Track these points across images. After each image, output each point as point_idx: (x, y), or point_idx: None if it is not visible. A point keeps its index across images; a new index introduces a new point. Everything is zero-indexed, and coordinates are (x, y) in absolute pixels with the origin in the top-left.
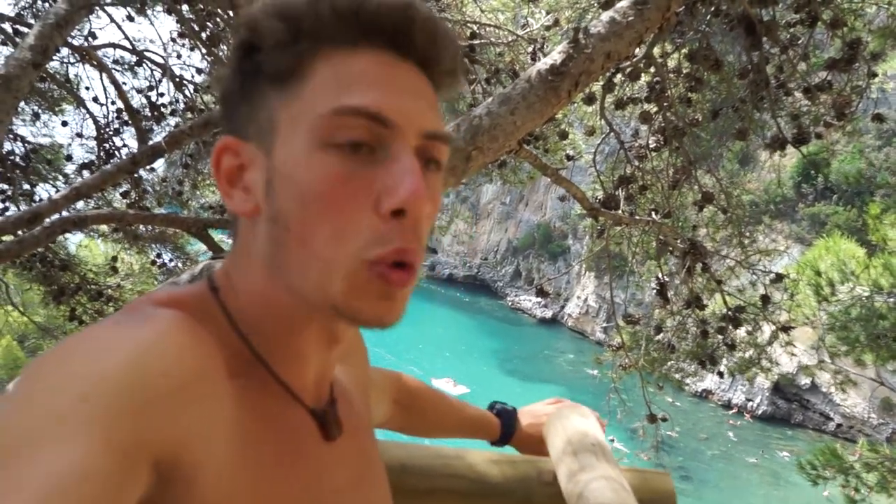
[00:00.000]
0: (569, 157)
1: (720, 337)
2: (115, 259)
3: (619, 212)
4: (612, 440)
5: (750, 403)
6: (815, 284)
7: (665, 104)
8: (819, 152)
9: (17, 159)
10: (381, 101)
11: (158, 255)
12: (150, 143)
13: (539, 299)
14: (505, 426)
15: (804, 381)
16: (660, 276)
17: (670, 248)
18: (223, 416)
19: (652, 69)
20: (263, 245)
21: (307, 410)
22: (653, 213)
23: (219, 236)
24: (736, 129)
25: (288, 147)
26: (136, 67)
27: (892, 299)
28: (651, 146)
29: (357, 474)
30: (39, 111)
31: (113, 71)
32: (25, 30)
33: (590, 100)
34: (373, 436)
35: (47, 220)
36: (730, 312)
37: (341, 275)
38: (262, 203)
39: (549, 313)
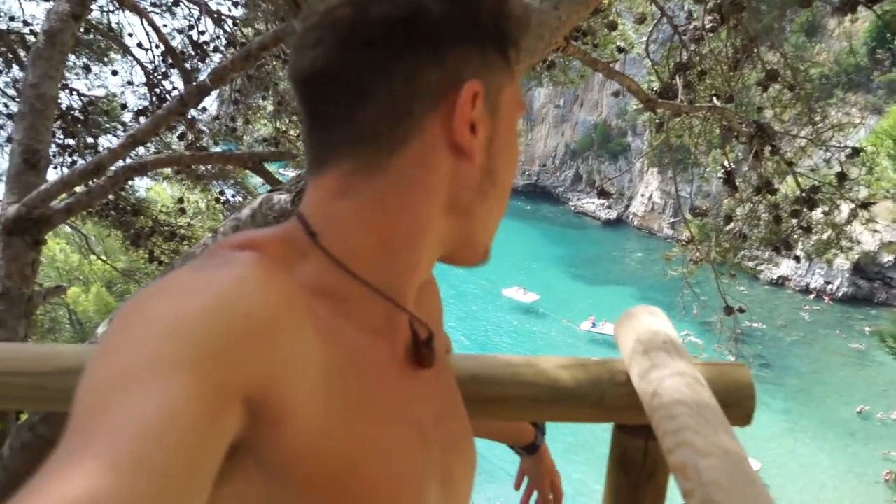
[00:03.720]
0: (620, 50)
1: (794, 221)
2: (181, 200)
3: (678, 101)
4: (687, 335)
5: (829, 286)
6: (894, 154)
7: None
8: (895, 10)
9: (77, 113)
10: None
11: (221, 193)
12: (196, 82)
13: (602, 201)
14: (539, 435)
15: (886, 258)
16: (726, 163)
17: (735, 134)
18: (308, 353)
19: None
20: (465, 190)
21: (412, 333)
22: (714, 98)
23: (273, 168)
24: None
25: (507, 122)
26: (173, 7)
27: None
28: (707, 27)
29: (440, 407)
30: (90, 63)
31: (151, 14)
32: None
33: None
34: (451, 372)
35: (110, 169)
36: (803, 194)
37: (496, 223)
38: (483, 156)
39: (613, 214)
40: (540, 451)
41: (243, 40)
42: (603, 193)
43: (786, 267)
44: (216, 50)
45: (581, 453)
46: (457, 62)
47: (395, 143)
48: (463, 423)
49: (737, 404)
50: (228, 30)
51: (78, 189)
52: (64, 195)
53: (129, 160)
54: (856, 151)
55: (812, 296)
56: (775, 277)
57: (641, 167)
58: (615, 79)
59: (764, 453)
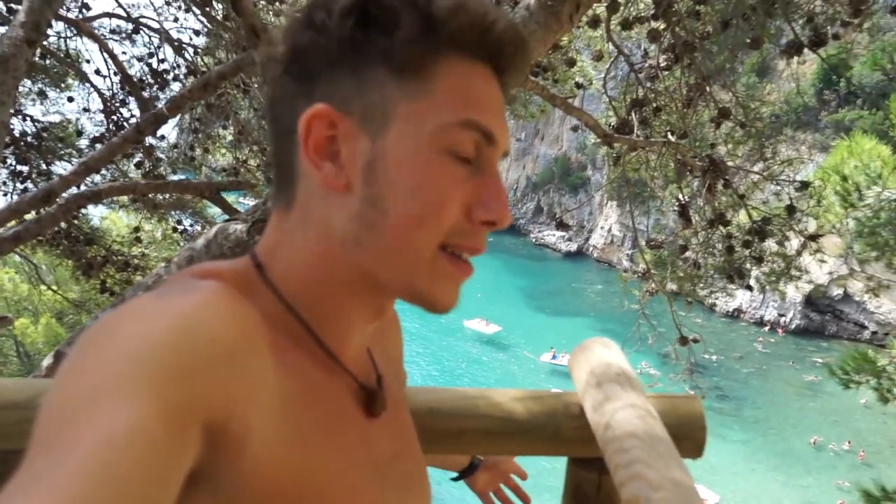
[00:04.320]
0: (578, 86)
1: (747, 251)
2: (137, 229)
3: (634, 136)
4: (645, 366)
5: (783, 319)
6: (841, 191)
7: (674, 19)
8: (839, 54)
9: (30, 139)
10: (493, 122)
11: (178, 222)
12: (153, 110)
13: (562, 233)
14: (472, 463)
15: (836, 291)
16: (680, 197)
17: (689, 168)
18: (268, 384)
19: None
20: (347, 222)
21: (356, 384)
22: (669, 134)
23: (232, 197)
24: (749, 38)
25: (405, 141)
26: (133, 35)
27: None
28: (662, 65)
29: (396, 448)
30: (45, 89)
31: (111, 41)
32: (18, 7)
33: (595, 23)
34: (407, 409)
35: (62, 196)
36: (755, 225)
37: (426, 260)
38: (358, 183)
39: (573, 246)
40: (483, 467)
41: (204, 69)
42: (561, 226)
43: (741, 299)
44: (176, 79)
45: (535, 488)
46: (325, 90)
47: (292, 176)
48: (418, 463)
49: (689, 436)
50: (189, 58)
51: (27, 217)
52: (13, 223)
53: (82, 188)
54: (804, 185)
55: (766, 328)
56: (731, 310)
57: (601, 200)
58: (573, 114)
59: (722, 485)
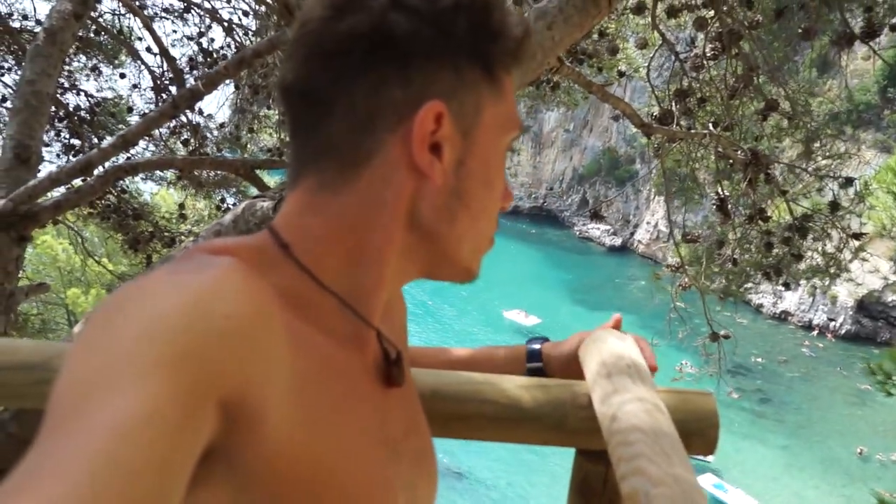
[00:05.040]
0: (621, 74)
1: (786, 248)
2: (181, 206)
3: (675, 127)
4: (685, 363)
5: (832, 323)
6: (894, 192)
7: (723, 8)
8: None
9: (84, 114)
10: None
11: (222, 200)
12: (188, 86)
13: (607, 227)
14: (530, 350)
15: (891, 297)
16: (719, 190)
17: (731, 162)
18: (282, 359)
19: None
20: (431, 212)
21: (383, 353)
22: (713, 125)
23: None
24: (801, 28)
25: (488, 141)
26: (184, 14)
27: None
28: (708, 55)
29: (407, 423)
30: (99, 64)
31: (165, 19)
32: None
33: (639, 9)
34: (415, 388)
35: (100, 168)
36: (796, 221)
37: (484, 244)
38: (450, 177)
39: (618, 241)
40: (550, 351)
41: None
42: (596, 216)
43: (789, 301)
44: (224, 58)
45: (545, 478)
46: (424, 80)
47: (357, 161)
48: (426, 439)
49: (700, 433)
50: (239, 39)
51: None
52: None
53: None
54: (848, 181)
55: (815, 332)
56: (778, 312)
57: (648, 195)
58: (609, 102)
59: (762, 490)
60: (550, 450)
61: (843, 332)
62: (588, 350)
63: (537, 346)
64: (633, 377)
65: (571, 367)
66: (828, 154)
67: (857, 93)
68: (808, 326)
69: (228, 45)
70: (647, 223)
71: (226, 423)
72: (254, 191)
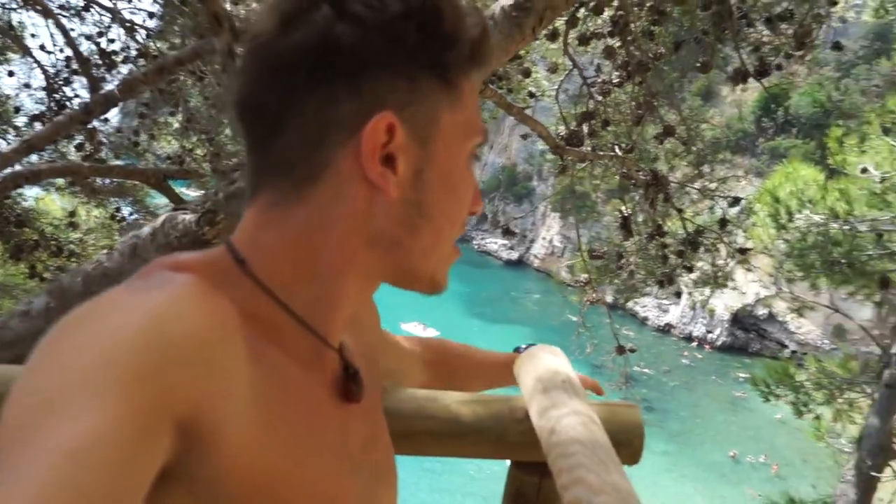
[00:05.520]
0: (531, 95)
1: (679, 260)
2: (73, 214)
3: (584, 148)
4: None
5: (710, 335)
6: (773, 212)
7: (628, 38)
8: (780, 85)
9: None
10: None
11: (118, 210)
12: (104, 91)
13: (505, 241)
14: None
15: (762, 311)
16: (623, 209)
17: (633, 182)
18: (242, 377)
19: (615, 2)
20: (389, 225)
21: (343, 367)
22: (616, 148)
23: (179, 188)
24: (699, 62)
25: (450, 150)
26: (83, 12)
27: (846, 227)
28: (614, 81)
29: (368, 438)
30: None
31: (60, 16)
32: None
33: (553, 36)
34: (380, 401)
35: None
36: (689, 236)
37: (449, 254)
38: (407, 188)
39: (515, 255)
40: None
41: (155, 53)
42: (507, 233)
43: (672, 314)
44: (126, 60)
45: (476, 490)
46: (375, 92)
47: (311, 176)
48: (388, 454)
49: (627, 443)
50: (141, 41)
51: None
52: None
53: (20, 167)
54: (736, 200)
55: (694, 343)
56: (662, 324)
57: (544, 211)
58: (527, 124)
59: (644, 494)
60: (483, 462)
61: (720, 343)
62: (523, 366)
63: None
64: (568, 392)
65: None
66: (716, 178)
67: (735, 121)
68: (689, 338)
69: (128, 47)
70: (543, 238)
71: (183, 443)
72: (156, 201)
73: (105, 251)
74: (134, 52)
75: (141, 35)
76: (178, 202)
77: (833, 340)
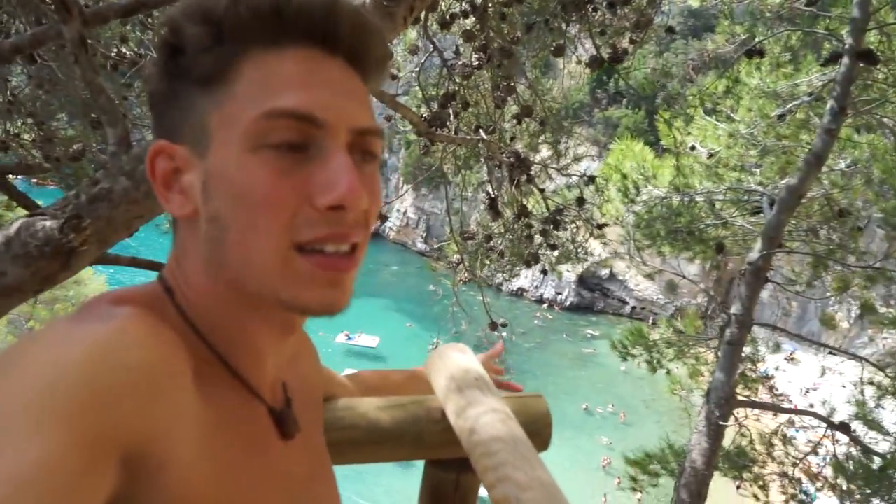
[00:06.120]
0: (393, 77)
1: (543, 238)
2: None
3: (450, 132)
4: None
5: (559, 296)
6: (622, 187)
7: (489, 23)
8: (622, 65)
9: None
10: (311, 102)
11: None
12: None
13: None
14: None
15: (604, 271)
16: (490, 190)
17: (497, 163)
18: (187, 411)
19: None
20: (203, 245)
21: (267, 408)
22: (479, 129)
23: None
24: (552, 46)
25: (223, 150)
26: None
27: (686, 198)
28: (475, 64)
29: (310, 471)
30: None
31: None
32: None
33: (416, 21)
34: (322, 434)
35: None
36: (551, 215)
37: (280, 267)
38: (200, 205)
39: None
40: None
41: None
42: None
43: (523, 279)
44: None
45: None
46: (163, 125)
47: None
48: (330, 486)
49: (538, 433)
50: None
51: None
52: None
53: None
54: (591, 179)
55: (545, 305)
56: (515, 289)
57: (397, 184)
58: (399, 111)
59: None
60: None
61: (568, 303)
62: (434, 365)
63: None
64: (482, 389)
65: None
66: (573, 157)
67: (573, 93)
68: (540, 300)
69: None
70: (398, 210)
71: (128, 475)
72: None
73: None
74: None
75: None
76: (28, 204)
77: (666, 295)
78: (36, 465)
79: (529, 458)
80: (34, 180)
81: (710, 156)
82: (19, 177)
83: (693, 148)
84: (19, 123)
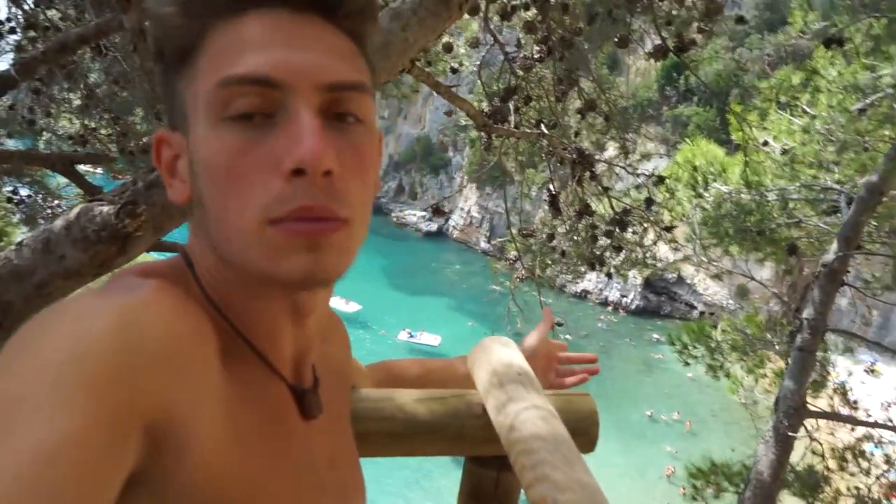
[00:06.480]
0: (453, 71)
1: (608, 240)
2: None
3: (510, 126)
4: None
5: (624, 299)
6: (692, 182)
7: (550, 14)
8: (689, 56)
9: None
10: (267, 64)
11: (14, 192)
12: None
13: (423, 213)
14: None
15: (671, 274)
16: (551, 187)
17: (559, 160)
18: (212, 385)
19: None
20: (199, 228)
21: (287, 386)
22: (540, 124)
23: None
24: (617, 36)
25: (195, 129)
26: None
27: (757, 196)
28: (536, 57)
29: (333, 454)
30: None
31: None
32: None
33: (473, 10)
34: (349, 419)
35: None
36: (617, 216)
37: (255, 241)
38: (191, 188)
39: (434, 226)
40: None
41: (46, 23)
42: (438, 212)
43: (588, 282)
44: (12, 31)
45: (423, 484)
46: (168, 111)
47: None
48: (355, 472)
49: (583, 432)
50: (28, 9)
51: None
52: None
53: None
54: (661, 179)
55: (610, 308)
56: (579, 291)
57: (461, 182)
58: (455, 103)
59: None
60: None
61: (634, 307)
62: (476, 359)
63: None
64: (524, 385)
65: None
66: (640, 155)
67: (641, 90)
68: (605, 303)
69: (14, 17)
70: (461, 209)
71: (152, 448)
72: (57, 180)
73: (13, 247)
74: (22, 23)
75: (28, 3)
76: (88, 188)
77: (737, 300)
78: (64, 437)
79: (570, 459)
80: (112, 174)
81: (785, 152)
82: (98, 170)
83: (766, 143)
84: (97, 119)
